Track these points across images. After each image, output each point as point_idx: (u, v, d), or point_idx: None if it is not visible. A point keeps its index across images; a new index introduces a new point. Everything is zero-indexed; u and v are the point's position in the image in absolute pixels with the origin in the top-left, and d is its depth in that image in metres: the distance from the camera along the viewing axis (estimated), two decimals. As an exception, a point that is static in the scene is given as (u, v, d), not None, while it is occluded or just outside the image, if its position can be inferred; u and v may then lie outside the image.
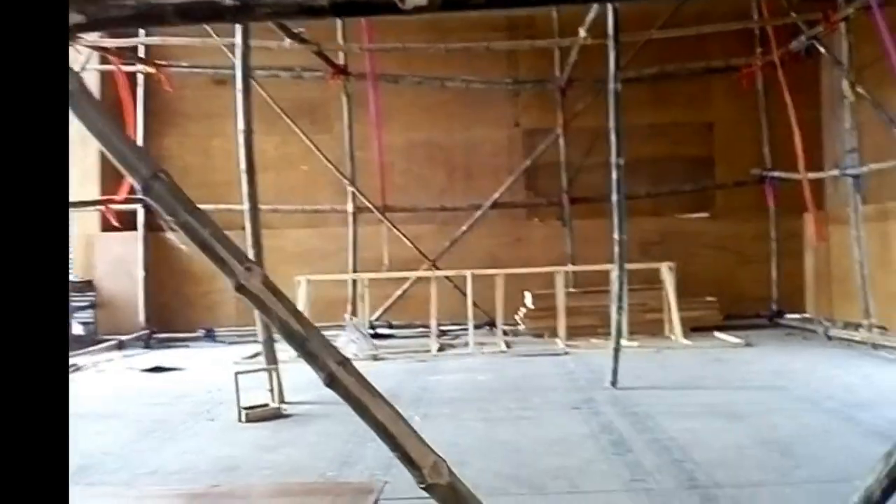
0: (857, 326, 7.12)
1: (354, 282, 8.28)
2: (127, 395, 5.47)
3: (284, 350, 6.79)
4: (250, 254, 4.88)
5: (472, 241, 8.81)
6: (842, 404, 4.24)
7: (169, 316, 9.04)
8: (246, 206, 4.91)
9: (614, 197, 5.06)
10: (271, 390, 4.74)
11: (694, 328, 7.61)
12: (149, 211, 8.85)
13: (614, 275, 7.36)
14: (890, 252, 6.89)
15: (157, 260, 9.08)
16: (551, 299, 7.62)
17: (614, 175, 5.04)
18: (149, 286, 8.76)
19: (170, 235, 8.82)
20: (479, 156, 9.22)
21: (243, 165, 4.92)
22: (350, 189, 8.79)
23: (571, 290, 8.11)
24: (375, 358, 6.79)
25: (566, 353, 6.68)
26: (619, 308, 5.01)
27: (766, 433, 3.67)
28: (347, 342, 7.07)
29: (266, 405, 4.59)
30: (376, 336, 8.35)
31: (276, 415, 4.51)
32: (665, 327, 7.51)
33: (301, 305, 7.29)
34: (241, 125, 4.90)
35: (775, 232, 8.68)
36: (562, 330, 7.33)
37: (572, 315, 7.50)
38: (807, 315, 8.63)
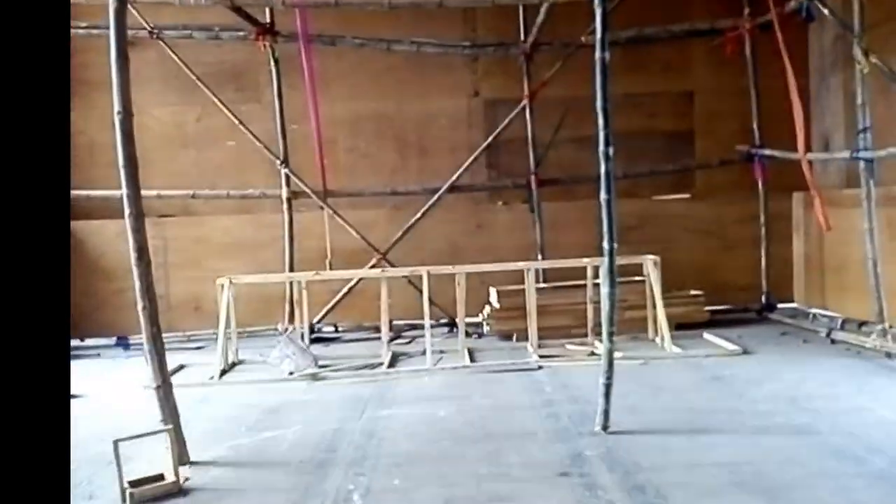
0: (859, 325, 6.36)
1: (291, 283, 7.16)
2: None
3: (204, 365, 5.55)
4: (132, 258, 3.73)
5: (429, 227, 7.75)
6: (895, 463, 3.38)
7: (77, 319, 7.75)
8: (126, 212, 3.75)
9: (602, 186, 4.03)
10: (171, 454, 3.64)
11: (679, 325, 6.77)
12: (46, 198, 7.54)
13: (592, 271, 6.49)
14: (899, 243, 6.09)
15: (61, 254, 7.79)
16: (519, 297, 6.64)
17: (603, 150, 3.99)
18: (51, 285, 7.47)
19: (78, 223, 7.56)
20: (435, 130, 8.08)
21: (121, 161, 3.75)
22: (283, 171, 7.59)
23: (541, 285, 7.15)
24: (315, 377, 5.73)
25: (539, 368, 5.73)
26: (611, 333, 4.04)
27: (821, 527, 2.77)
28: (282, 358, 5.99)
29: (161, 476, 3.50)
30: (319, 340, 7.29)
31: (172, 492, 3.43)
32: (648, 327, 6.64)
33: (223, 312, 6.15)
34: (116, 106, 3.72)
35: (763, 215, 7.84)
36: (533, 335, 6.37)
37: (543, 315, 6.55)
38: (794, 306, 7.88)
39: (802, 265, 7.95)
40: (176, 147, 8.08)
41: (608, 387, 4.03)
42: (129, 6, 5.93)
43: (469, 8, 7.71)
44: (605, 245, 4.03)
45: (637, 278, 6.79)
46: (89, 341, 7.61)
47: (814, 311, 7.27)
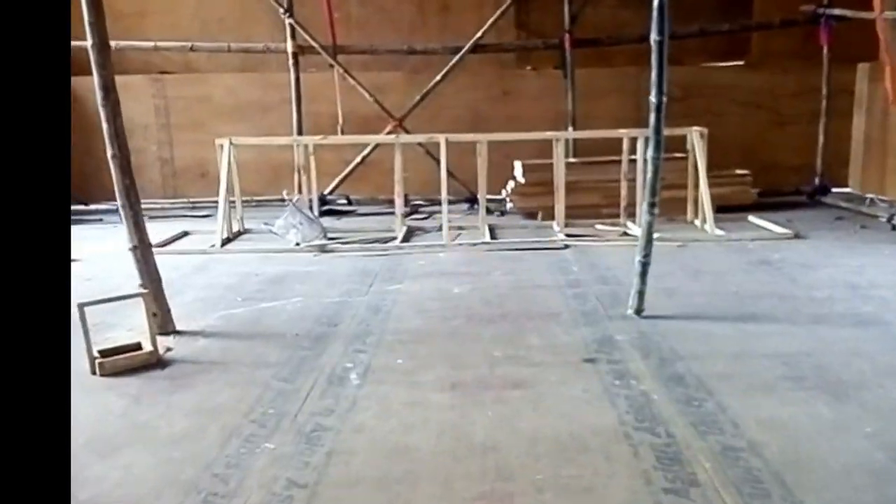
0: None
1: (299, 147, 6.60)
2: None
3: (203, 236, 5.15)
4: (98, 98, 3.20)
5: (449, 93, 7.06)
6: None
7: (80, 183, 7.35)
8: (90, 42, 3.18)
9: (654, 26, 3.38)
10: (153, 320, 3.27)
11: (721, 207, 6.16)
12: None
13: (628, 143, 5.84)
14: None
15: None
16: (547, 172, 6.05)
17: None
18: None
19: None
20: (459, -18, 7.23)
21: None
22: (288, 21, 6.85)
23: (571, 160, 6.53)
24: (322, 249, 5.31)
25: (566, 247, 5.23)
26: (652, 205, 3.49)
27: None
28: (288, 227, 5.56)
29: (138, 346, 3.14)
30: (331, 213, 6.84)
31: (148, 363, 3.08)
32: (687, 209, 6.05)
33: (224, 175, 5.68)
34: None
35: (825, 86, 6.99)
36: (560, 213, 5.84)
37: (572, 192, 5.97)
38: (849, 190, 7.20)
39: (861, 145, 7.20)
40: (175, -4, 7.37)
41: (645, 266, 3.53)
42: None
43: None
44: (653, 98, 3.41)
45: (678, 155, 6.12)
46: (94, 206, 7.25)
47: (871, 195, 6.61)
